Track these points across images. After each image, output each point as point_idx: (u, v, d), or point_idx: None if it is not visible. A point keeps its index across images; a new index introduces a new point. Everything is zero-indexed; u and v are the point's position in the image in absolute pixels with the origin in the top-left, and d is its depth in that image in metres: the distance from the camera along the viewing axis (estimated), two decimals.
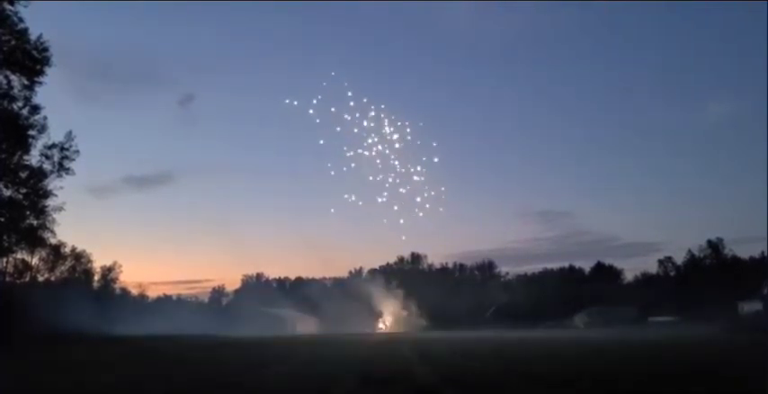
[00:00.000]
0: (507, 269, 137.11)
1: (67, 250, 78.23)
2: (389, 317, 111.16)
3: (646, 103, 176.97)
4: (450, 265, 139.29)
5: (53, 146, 36.00)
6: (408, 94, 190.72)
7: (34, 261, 66.41)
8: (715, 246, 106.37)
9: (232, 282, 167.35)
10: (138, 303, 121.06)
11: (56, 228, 40.11)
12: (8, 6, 29.45)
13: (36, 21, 31.14)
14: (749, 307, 62.40)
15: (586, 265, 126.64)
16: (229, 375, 16.48)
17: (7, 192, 34.15)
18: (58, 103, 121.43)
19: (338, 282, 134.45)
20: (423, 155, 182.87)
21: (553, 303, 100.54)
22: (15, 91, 31.39)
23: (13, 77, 31.00)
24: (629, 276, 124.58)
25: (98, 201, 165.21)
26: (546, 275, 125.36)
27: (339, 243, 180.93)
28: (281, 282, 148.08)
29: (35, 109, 33.25)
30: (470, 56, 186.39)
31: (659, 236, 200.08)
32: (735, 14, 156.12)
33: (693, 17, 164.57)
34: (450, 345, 34.58)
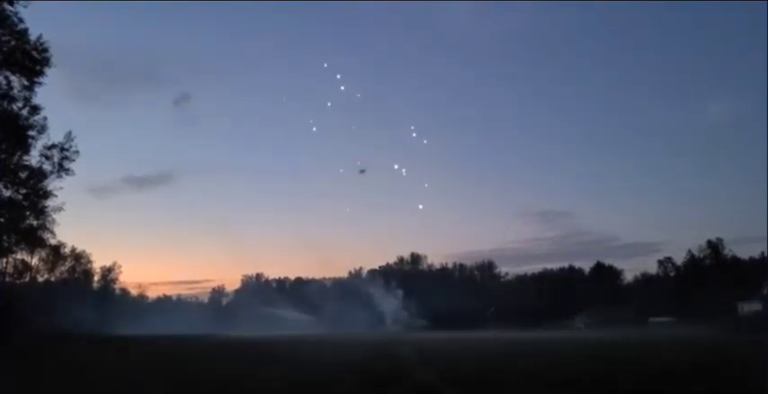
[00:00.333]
0: (507, 269, 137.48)
1: (67, 250, 78.23)
2: (389, 317, 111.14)
3: (646, 103, 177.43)
4: (450, 265, 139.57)
5: (53, 146, 35.98)
6: (408, 93, 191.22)
7: (34, 261, 66.42)
8: (715, 247, 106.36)
9: (232, 283, 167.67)
10: (138, 303, 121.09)
11: (56, 229, 40.09)
12: (8, 7, 29.42)
13: (36, 21, 31.16)
14: (749, 307, 62.43)
15: (586, 266, 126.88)
16: (229, 375, 16.48)
17: (7, 193, 34.12)
18: (57, 104, 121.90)
19: (338, 283, 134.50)
20: (423, 155, 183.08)
21: (553, 303, 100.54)
22: (15, 91, 31.36)
23: (12, 78, 30.96)
24: (628, 276, 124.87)
25: (98, 201, 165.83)
26: (546, 275, 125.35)
27: (339, 243, 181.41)
28: (281, 283, 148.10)
29: (35, 109, 33.23)
30: (470, 56, 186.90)
31: (659, 236, 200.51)
32: (735, 14, 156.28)
33: (693, 17, 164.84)
34: (450, 346, 34.58)
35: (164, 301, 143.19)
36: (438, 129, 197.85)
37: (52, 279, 77.48)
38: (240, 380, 14.97)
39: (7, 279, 56.99)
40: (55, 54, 31.59)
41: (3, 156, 33.54)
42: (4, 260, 52.06)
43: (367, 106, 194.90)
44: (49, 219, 38.39)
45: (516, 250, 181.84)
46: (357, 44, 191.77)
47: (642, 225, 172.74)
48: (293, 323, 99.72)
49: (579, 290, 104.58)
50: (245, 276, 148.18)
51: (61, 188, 37.07)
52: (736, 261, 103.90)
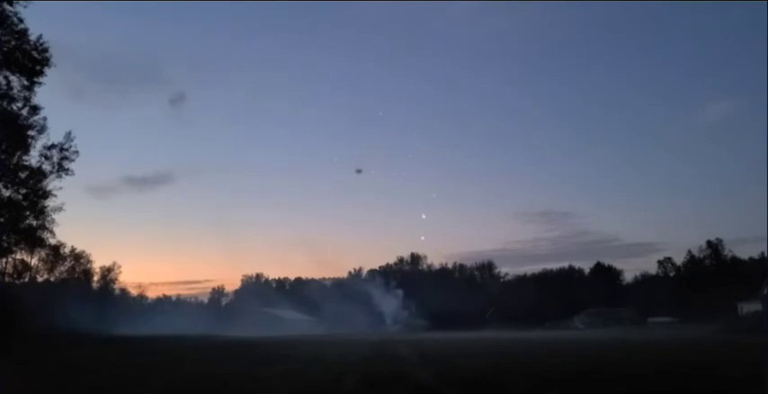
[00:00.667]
0: (507, 269, 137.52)
1: (67, 250, 78.02)
2: (389, 317, 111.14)
3: (646, 103, 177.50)
4: (450, 266, 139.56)
5: (53, 146, 36.06)
6: (408, 93, 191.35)
7: (34, 261, 66.30)
8: (715, 247, 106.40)
9: (232, 283, 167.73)
10: (138, 304, 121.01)
11: (55, 229, 40.17)
12: (8, 7, 29.42)
13: (36, 21, 31.15)
14: (749, 307, 62.42)
15: (586, 266, 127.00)
16: (229, 375, 16.48)
17: (7, 193, 34.17)
18: (57, 104, 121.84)
19: (338, 283, 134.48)
20: (423, 155, 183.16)
21: (553, 304, 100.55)
22: (15, 91, 31.37)
23: (12, 78, 30.97)
24: (628, 277, 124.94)
25: (98, 202, 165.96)
26: (546, 276, 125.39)
27: (339, 243, 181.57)
28: (281, 283, 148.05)
29: (35, 109, 33.28)
30: (470, 56, 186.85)
31: (659, 236, 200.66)
32: (735, 14, 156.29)
33: (693, 17, 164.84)
34: (450, 346, 34.58)
35: (163, 301, 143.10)
36: (438, 129, 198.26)
37: (52, 279, 77.41)
38: (240, 380, 14.97)
39: (7, 279, 56.95)
40: (55, 54, 31.65)
41: (2, 157, 33.56)
42: (4, 260, 52.05)
43: (367, 106, 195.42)
44: (49, 219, 38.50)
45: (516, 250, 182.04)
46: (357, 44, 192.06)
47: (642, 225, 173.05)
48: (293, 323, 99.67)
49: (579, 290, 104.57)
50: (244, 276, 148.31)
51: (61, 188, 37.18)
52: (735, 261, 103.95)
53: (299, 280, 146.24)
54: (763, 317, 48.50)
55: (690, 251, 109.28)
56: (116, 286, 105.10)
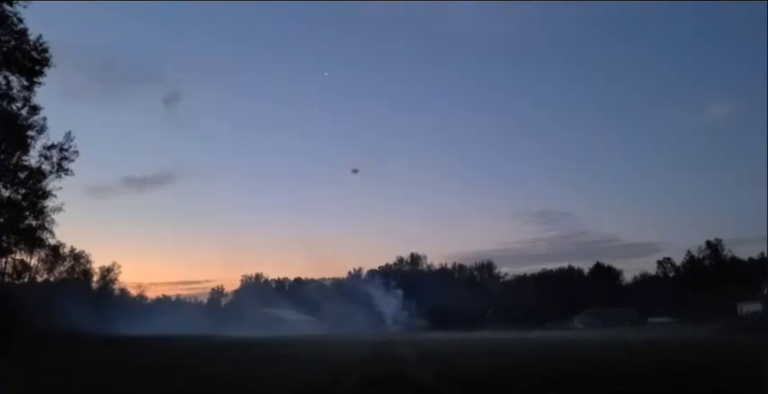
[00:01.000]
0: (507, 269, 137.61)
1: (66, 251, 78.03)
2: (389, 317, 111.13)
3: (646, 103, 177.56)
4: (450, 266, 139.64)
5: (52, 146, 36.07)
6: (408, 94, 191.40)
7: (33, 261, 66.22)
8: (714, 247, 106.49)
9: (231, 283, 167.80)
10: (138, 304, 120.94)
11: (55, 229, 40.18)
12: (8, 7, 29.43)
13: (36, 21, 31.16)
14: (748, 308, 62.42)
15: (586, 266, 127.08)
16: (229, 375, 16.47)
17: (6, 193, 34.19)
18: (57, 104, 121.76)
19: (338, 283, 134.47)
20: (422, 155, 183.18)
21: (552, 304, 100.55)
22: (15, 91, 31.43)
23: (12, 78, 31.02)
24: (628, 277, 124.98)
25: (98, 202, 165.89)
26: (545, 276, 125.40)
27: (339, 243, 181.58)
28: (281, 283, 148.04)
29: (34, 109, 33.30)
30: (470, 56, 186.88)
31: (659, 236, 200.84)
32: (735, 14, 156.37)
33: (693, 18, 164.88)
34: (450, 346, 34.58)
35: (163, 302, 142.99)
36: (438, 129, 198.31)
37: (51, 279, 77.37)
38: (240, 380, 14.97)
39: (6, 279, 56.91)
40: (55, 54, 31.72)
41: (2, 157, 33.56)
42: (4, 260, 52.03)
43: (367, 106, 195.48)
44: (49, 219, 38.52)
45: (516, 250, 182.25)
46: (356, 44, 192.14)
47: (642, 225, 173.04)
48: (293, 323, 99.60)
49: (579, 290, 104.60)
50: (244, 276, 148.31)
51: (60, 188, 37.20)
52: (735, 261, 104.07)
53: (298, 280, 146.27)
54: (763, 318, 48.50)
55: (690, 251, 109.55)
56: (116, 286, 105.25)
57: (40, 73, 31.35)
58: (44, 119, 34.32)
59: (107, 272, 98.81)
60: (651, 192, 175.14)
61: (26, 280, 65.83)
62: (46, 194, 36.44)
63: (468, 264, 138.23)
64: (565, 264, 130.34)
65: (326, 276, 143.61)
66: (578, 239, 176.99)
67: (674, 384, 12.75)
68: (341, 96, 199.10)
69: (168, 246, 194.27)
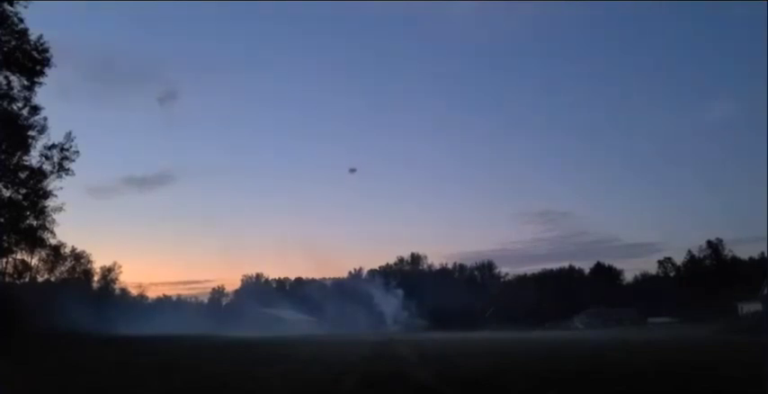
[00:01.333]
0: (507, 269, 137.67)
1: (67, 250, 78.02)
2: (389, 317, 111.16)
3: (645, 103, 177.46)
4: (450, 266, 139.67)
5: (53, 146, 36.06)
6: (408, 94, 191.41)
7: (34, 261, 66.28)
8: (715, 247, 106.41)
9: (232, 283, 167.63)
10: (138, 304, 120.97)
11: (55, 229, 40.20)
12: (8, 7, 29.45)
13: (36, 21, 31.17)
14: (749, 307, 62.39)
15: (586, 266, 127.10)
16: (229, 375, 16.48)
17: (7, 193, 34.20)
18: (57, 104, 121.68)
19: (338, 283, 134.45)
20: (422, 155, 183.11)
21: (553, 304, 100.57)
22: (15, 91, 31.44)
23: (12, 78, 31.04)
24: (628, 277, 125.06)
25: (98, 201, 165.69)
26: (545, 276, 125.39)
27: (339, 243, 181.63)
28: (281, 283, 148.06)
29: (35, 109, 33.30)
30: (470, 56, 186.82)
31: (659, 236, 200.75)
32: (735, 14, 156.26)
33: (693, 18, 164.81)
34: (450, 346, 34.58)
35: (163, 301, 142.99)
36: (438, 129, 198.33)
37: (52, 279, 77.42)
38: (240, 380, 14.98)
39: (7, 279, 56.95)
40: (56, 54, 31.75)
41: (3, 157, 33.58)
42: (4, 260, 52.08)
43: (367, 106, 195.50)
44: (49, 219, 38.53)
45: (516, 250, 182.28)
46: (356, 44, 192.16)
47: (642, 225, 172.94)
48: (293, 323, 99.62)
49: (579, 290, 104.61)
50: (244, 276, 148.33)
51: (61, 188, 37.19)
52: (735, 261, 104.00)
53: (299, 280, 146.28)
54: (763, 318, 48.47)
55: (690, 251, 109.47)
56: (116, 286, 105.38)
57: (41, 73, 31.37)
58: (45, 119, 34.35)
59: (108, 272, 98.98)
60: (651, 192, 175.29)
61: (27, 280, 65.86)
62: (47, 194, 36.45)
63: (469, 263, 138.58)
64: (565, 264, 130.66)
65: (327, 276, 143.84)
66: (578, 239, 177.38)
67: (674, 384, 12.75)
68: (341, 96, 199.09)
69: (168, 246, 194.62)
